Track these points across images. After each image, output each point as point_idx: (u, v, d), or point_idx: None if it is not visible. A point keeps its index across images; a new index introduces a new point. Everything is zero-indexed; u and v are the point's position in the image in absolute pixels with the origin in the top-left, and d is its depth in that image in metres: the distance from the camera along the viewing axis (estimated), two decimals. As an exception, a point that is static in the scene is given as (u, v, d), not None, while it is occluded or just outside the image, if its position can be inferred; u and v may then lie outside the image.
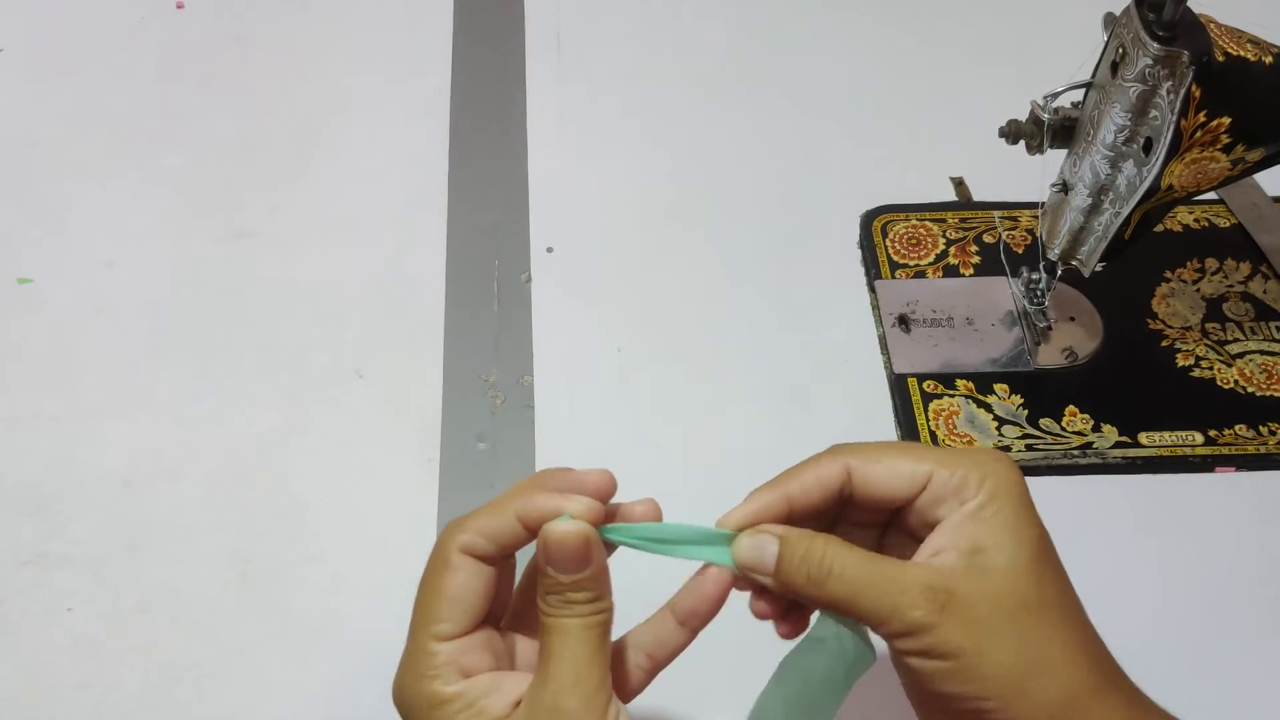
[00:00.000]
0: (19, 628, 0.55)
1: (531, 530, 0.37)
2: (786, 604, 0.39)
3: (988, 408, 0.62)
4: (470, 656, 0.37)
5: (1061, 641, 0.36)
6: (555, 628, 0.36)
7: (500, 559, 0.38)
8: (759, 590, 0.39)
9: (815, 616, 0.40)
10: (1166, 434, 0.61)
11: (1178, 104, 0.49)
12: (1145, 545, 0.58)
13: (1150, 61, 0.50)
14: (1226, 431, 0.61)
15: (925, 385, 0.63)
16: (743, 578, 0.39)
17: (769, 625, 0.40)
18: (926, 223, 0.71)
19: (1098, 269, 0.58)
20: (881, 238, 0.71)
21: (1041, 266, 0.63)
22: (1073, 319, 0.66)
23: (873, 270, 0.69)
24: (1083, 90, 0.56)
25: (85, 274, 0.69)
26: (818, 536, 0.37)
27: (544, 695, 0.35)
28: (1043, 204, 0.60)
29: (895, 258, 0.70)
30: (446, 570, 0.37)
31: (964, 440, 0.61)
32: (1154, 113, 0.51)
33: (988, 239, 0.70)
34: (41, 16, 0.85)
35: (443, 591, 0.37)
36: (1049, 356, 0.64)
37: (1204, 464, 0.60)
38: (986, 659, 0.35)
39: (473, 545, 0.37)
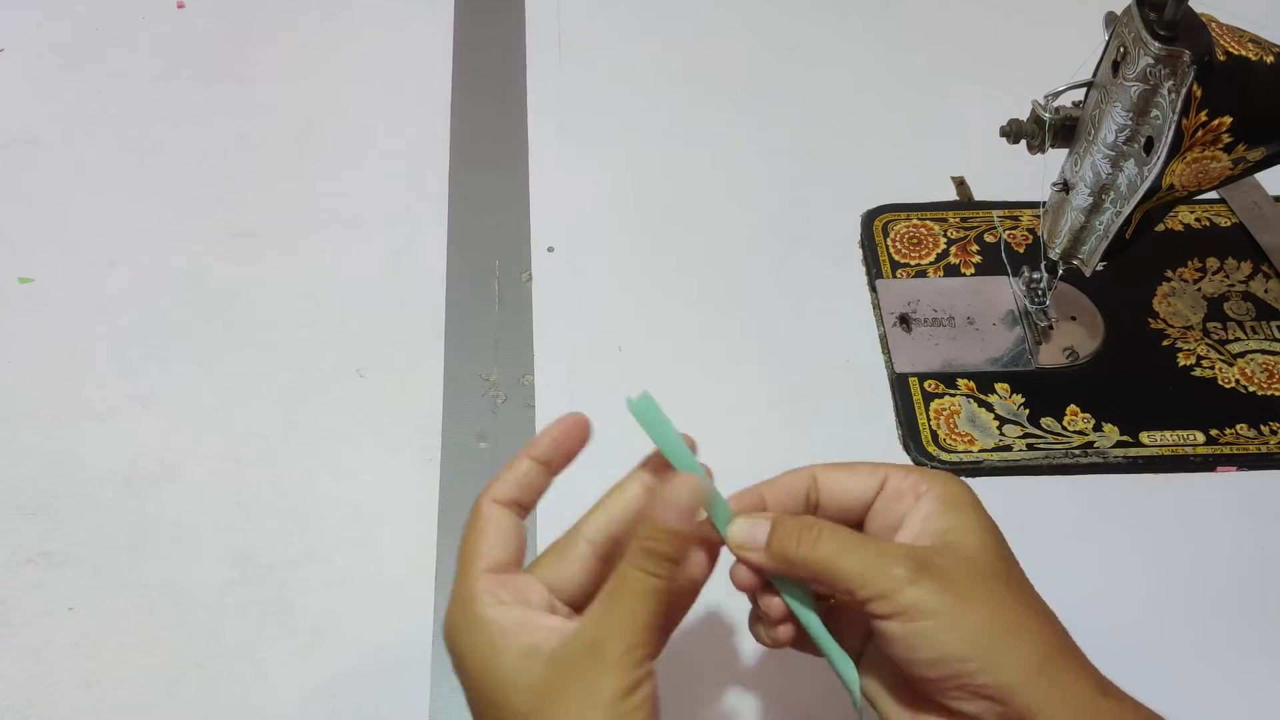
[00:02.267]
0: (20, 627, 0.55)
1: (544, 463, 0.43)
2: (764, 580, 0.41)
3: (989, 407, 0.62)
4: (506, 591, 0.39)
5: (1031, 608, 0.38)
6: (629, 579, 0.38)
7: (525, 506, 0.42)
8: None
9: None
10: (1168, 433, 0.61)
11: (1179, 103, 0.49)
12: (1146, 545, 0.58)
13: (1151, 61, 0.50)
14: (1228, 431, 0.61)
15: (926, 384, 0.63)
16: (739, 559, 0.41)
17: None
18: (928, 222, 0.71)
19: (1099, 268, 0.58)
20: (882, 237, 0.71)
21: (1043, 266, 0.63)
22: (1074, 318, 0.66)
23: (874, 269, 0.69)
24: (1084, 89, 0.56)
25: (86, 273, 0.69)
26: (808, 519, 0.40)
27: (589, 631, 0.37)
28: (1044, 203, 0.60)
29: (896, 257, 0.70)
30: (480, 518, 0.41)
31: (965, 440, 0.61)
32: (1155, 112, 0.51)
33: (989, 238, 0.70)
34: (42, 16, 0.85)
35: (480, 531, 0.41)
36: (1050, 356, 0.65)
37: (1205, 463, 0.61)
38: (965, 616, 0.37)
39: (497, 494, 0.42)
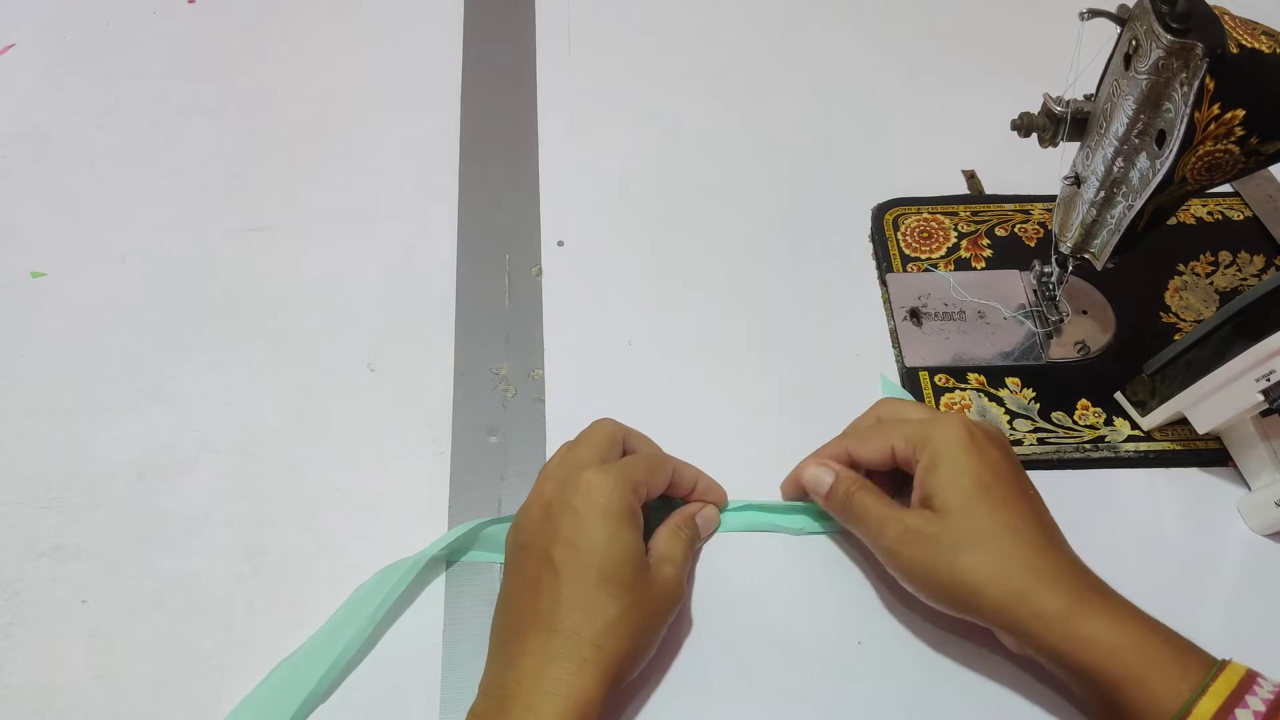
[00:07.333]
0: (34, 620, 0.55)
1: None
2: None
3: (999, 401, 0.62)
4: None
5: (1009, 555, 0.48)
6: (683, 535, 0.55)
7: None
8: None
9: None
10: (1180, 427, 0.61)
11: (1191, 96, 0.49)
12: (1158, 539, 0.58)
13: (1163, 53, 0.49)
14: (1240, 425, 0.61)
15: (937, 379, 0.63)
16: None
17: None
18: (938, 216, 0.71)
19: (1110, 265, 0.58)
20: (893, 231, 0.70)
21: (1054, 260, 0.63)
22: (1085, 312, 0.66)
23: (884, 264, 0.69)
24: (1095, 82, 0.55)
25: (98, 268, 0.70)
26: (853, 480, 0.54)
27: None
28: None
29: (907, 251, 0.69)
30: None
31: (975, 434, 0.61)
32: (1167, 105, 0.51)
33: (1000, 232, 0.70)
34: (54, 11, 0.86)
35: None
36: (1061, 350, 0.64)
37: (1217, 458, 0.60)
38: (937, 570, 0.50)
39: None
